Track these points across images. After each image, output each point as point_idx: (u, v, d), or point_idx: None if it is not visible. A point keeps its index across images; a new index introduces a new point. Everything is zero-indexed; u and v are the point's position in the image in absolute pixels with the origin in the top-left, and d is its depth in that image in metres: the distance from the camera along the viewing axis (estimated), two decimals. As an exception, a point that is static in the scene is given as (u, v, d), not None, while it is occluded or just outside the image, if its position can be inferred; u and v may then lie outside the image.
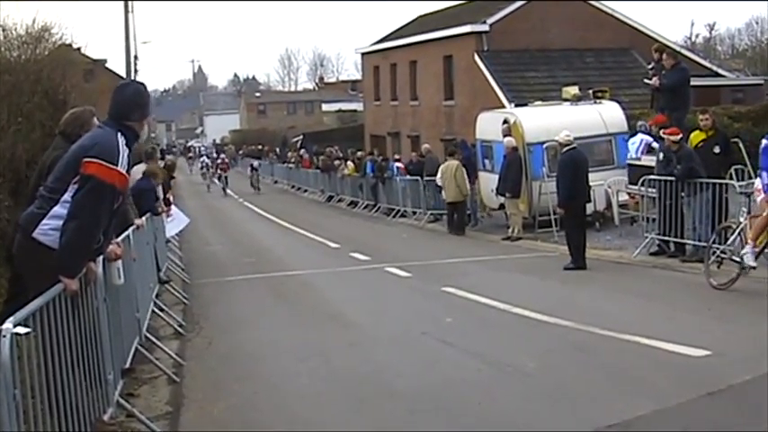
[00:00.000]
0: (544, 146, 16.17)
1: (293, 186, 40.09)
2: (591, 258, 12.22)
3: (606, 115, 17.26)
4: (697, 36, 66.36)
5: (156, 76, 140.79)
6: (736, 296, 9.00)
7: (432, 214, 20.88)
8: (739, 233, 9.51)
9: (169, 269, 12.47)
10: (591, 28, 27.81)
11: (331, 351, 7.89)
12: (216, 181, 40.61)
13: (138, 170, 10.42)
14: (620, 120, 17.33)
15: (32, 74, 12.27)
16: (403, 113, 34.44)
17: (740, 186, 10.56)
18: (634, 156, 14.15)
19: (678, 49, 25.18)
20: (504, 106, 23.53)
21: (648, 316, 8.45)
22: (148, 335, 7.71)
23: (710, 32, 67.67)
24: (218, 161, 43.39)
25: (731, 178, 11.92)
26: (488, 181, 17.98)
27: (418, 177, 21.41)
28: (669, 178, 11.49)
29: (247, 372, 7.31)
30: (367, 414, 5.94)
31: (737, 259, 9.27)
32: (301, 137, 52.46)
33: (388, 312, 9.88)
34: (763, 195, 8.92)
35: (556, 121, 15.99)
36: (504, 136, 16.71)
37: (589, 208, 13.46)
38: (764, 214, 8.92)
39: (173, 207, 13.63)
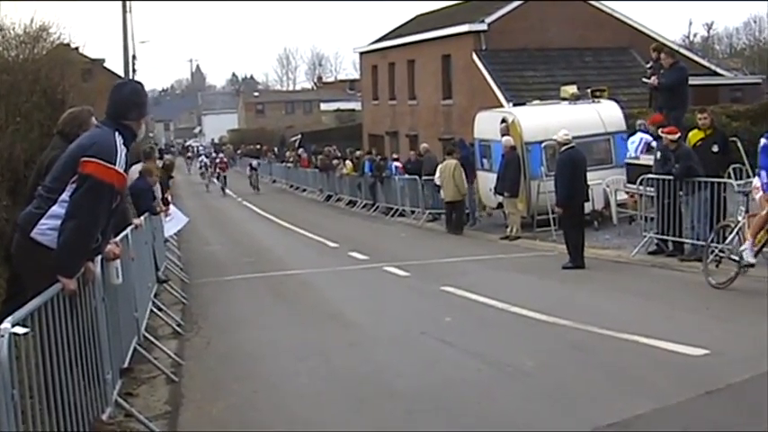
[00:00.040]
0: (542, 145, 16.17)
1: (292, 186, 40.09)
2: (589, 257, 12.22)
3: (605, 114, 17.27)
4: (695, 35, 66.36)
5: (155, 75, 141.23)
6: (735, 295, 9.01)
7: (430, 213, 20.89)
8: (738, 232, 9.51)
9: (168, 269, 12.46)
10: (589, 27, 27.82)
11: (330, 351, 7.88)
12: (215, 180, 40.57)
13: (136, 170, 10.41)
14: (618, 119, 17.34)
15: (30, 73, 12.24)
16: (401, 113, 34.43)
17: (738, 185, 10.56)
18: (633, 155, 14.16)
19: (676, 48, 25.24)
20: (502, 105, 23.52)
21: (647, 315, 8.45)
22: (147, 334, 7.71)
23: (709, 32, 67.69)
24: (217, 160, 43.36)
25: (729, 177, 11.93)
26: (487, 180, 17.97)
27: (416, 177, 21.42)
28: (667, 177, 11.49)
29: (246, 371, 7.31)
30: (366, 414, 5.93)
31: (736, 258, 9.27)
32: (300, 136, 52.46)
33: (387, 312, 9.88)
34: (761, 194, 8.93)
35: (554, 120, 15.99)
36: (503, 135, 16.71)
37: (587, 207, 13.46)
38: (763, 212, 8.92)
39: (171, 206, 13.61)
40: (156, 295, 9.73)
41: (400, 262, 13.46)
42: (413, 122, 33.10)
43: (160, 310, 9.43)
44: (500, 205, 17.44)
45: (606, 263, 12.40)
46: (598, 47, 27.94)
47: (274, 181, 44.82)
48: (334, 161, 31.36)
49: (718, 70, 29.55)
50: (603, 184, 15.73)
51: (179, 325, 9.25)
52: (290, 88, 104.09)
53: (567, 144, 12.39)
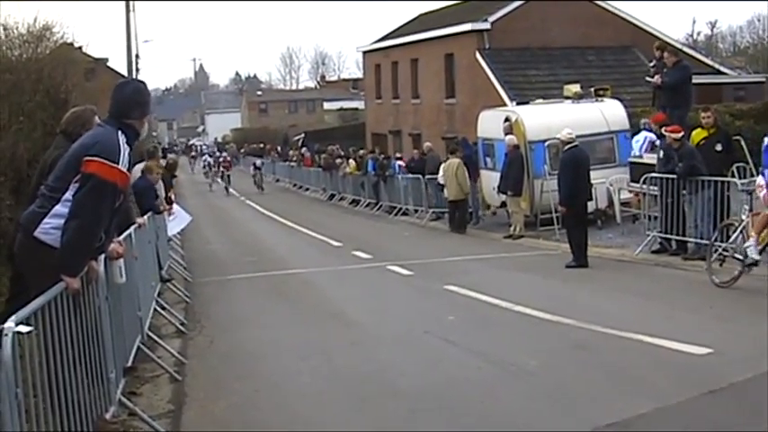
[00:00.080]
0: (546, 144, 16.16)
1: (295, 185, 40.10)
2: (592, 256, 12.22)
3: (608, 113, 17.25)
4: (699, 34, 66.38)
5: (158, 74, 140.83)
6: (739, 294, 8.99)
7: (433, 212, 20.88)
8: (741, 231, 9.50)
9: (171, 268, 12.48)
10: (592, 26, 27.79)
11: (333, 350, 7.89)
12: (219, 180, 40.41)
13: (139, 169, 10.43)
14: (621, 118, 17.32)
15: (34, 73, 12.28)
16: (404, 112, 34.43)
17: (742, 184, 10.55)
18: (638, 153, 14.14)
19: (680, 46, 25.15)
20: (505, 104, 23.53)
21: (650, 314, 8.44)
22: (150, 333, 7.72)
23: (712, 30, 67.70)
24: (221, 159, 43.30)
25: (733, 176, 11.91)
26: (490, 179, 17.97)
27: (420, 176, 21.41)
28: (671, 176, 11.48)
29: (249, 370, 7.32)
30: (369, 413, 5.94)
31: (740, 257, 9.26)
32: (303, 135, 52.48)
33: (390, 311, 9.88)
34: (765, 192, 8.91)
35: (557, 119, 15.98)
36: (506, 134, 16.70)
37: (591, 206, 13.44)
38: (767, 211, 8.91)
39: (174, 205, 13.64)
40: (159, 294, 9.75)
41: (403, 261, 13.47)
42: (416, 121, 33.10)
43: (163, 309, 9.45)
44: (503, 204, 17.43)
45: (609, 262, 12.40)
46: (601, 45, 27.90)
47: (277, 180, 44.82)
48: (338, 160, 31.36)
49: (722, 69, 29.52)
50: (607, 182, 15.72)
51: (182, 324, 9.27)
52: (294, 87, 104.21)
53: (570, 143, 12.39)
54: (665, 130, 11.58)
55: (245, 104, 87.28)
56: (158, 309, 9.13)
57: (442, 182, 18.64)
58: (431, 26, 32.58)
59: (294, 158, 42.67)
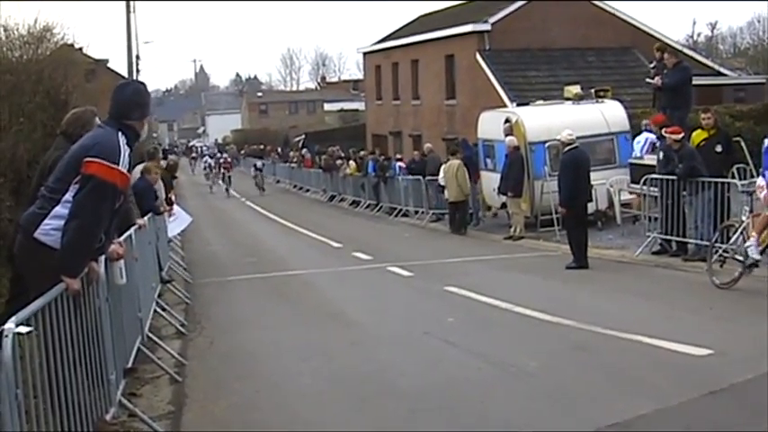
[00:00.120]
0: (546, 145, 16.16)
1: (295, 186, 40.09)
2: (593, 257, 12.22)
3: (608, 114, 17.26)
4: (699, 35, 66.47)
5: (158, 75, 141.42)
6: (739, 295, 8.99)
7: (434, 214, 20.88)
8: (742, 232, 9.50)
9: (171, 269, 12.47)
10: (592, 27, 27.79)
11: (333, 350, 7.89)
12: (220, 182, 40.26)
13: (139, 170, 10.43)
14: (622, 119, 17.32)
15: (34, 74, 12.28)
16: (405, 113, 34.44)
17: (742, 185, 10.55)
18: (639, 154, 14.14)
19: (680, 48, 25.17)
20: (505, 105, 23.51)
21: (650, 315, 8.44)
22: (150, 334, 7.72)
23: (712, 31, 67.77)
24: (221, 160, 43.23)
25: (733, 177, 11.91)
26: (490, 180, 17.97)
27: (420, 177, 21.41)
28: (671, 177, 11.48)
29: (249, 371, 7.32)
30: (369, 413, 5.94)
31: (740, 258, 9.25)
32: (303, 136, 52.50)
33: (390, 312, 9.89)
34: (765, 193, 8.90)
35: (558, 120, 15.98)
36: (506, 135, 16.71)
37: (591, 207, 13.45)
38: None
39: (175, 206, 13.64)
40: (159, 295, 9.75)
41: (404, 262, 13.47)
42: (416, 122, 33.10)
43: (164, 310, 9.45)
44: (504, 205, 17.43)
45: (610, 263, 12.39)
46: (601, 47, 27.90)
47: (278, 181, 44.81)
48: (338, 161, 31.37)
49: (722, 70, 29.53)
50: (607, 183, 15.72)
51: (182, 325, 9.26)
52: (294, 88, 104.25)
53: (570, 144, 12.39)
54: (665, 132, 11.58)
55: (246, 106, 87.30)
56: (158, 310, 9.13)
57: (442, 183, 18.64)
58: (431, 27, 32.61)
59: (294, 160, 42.67)
